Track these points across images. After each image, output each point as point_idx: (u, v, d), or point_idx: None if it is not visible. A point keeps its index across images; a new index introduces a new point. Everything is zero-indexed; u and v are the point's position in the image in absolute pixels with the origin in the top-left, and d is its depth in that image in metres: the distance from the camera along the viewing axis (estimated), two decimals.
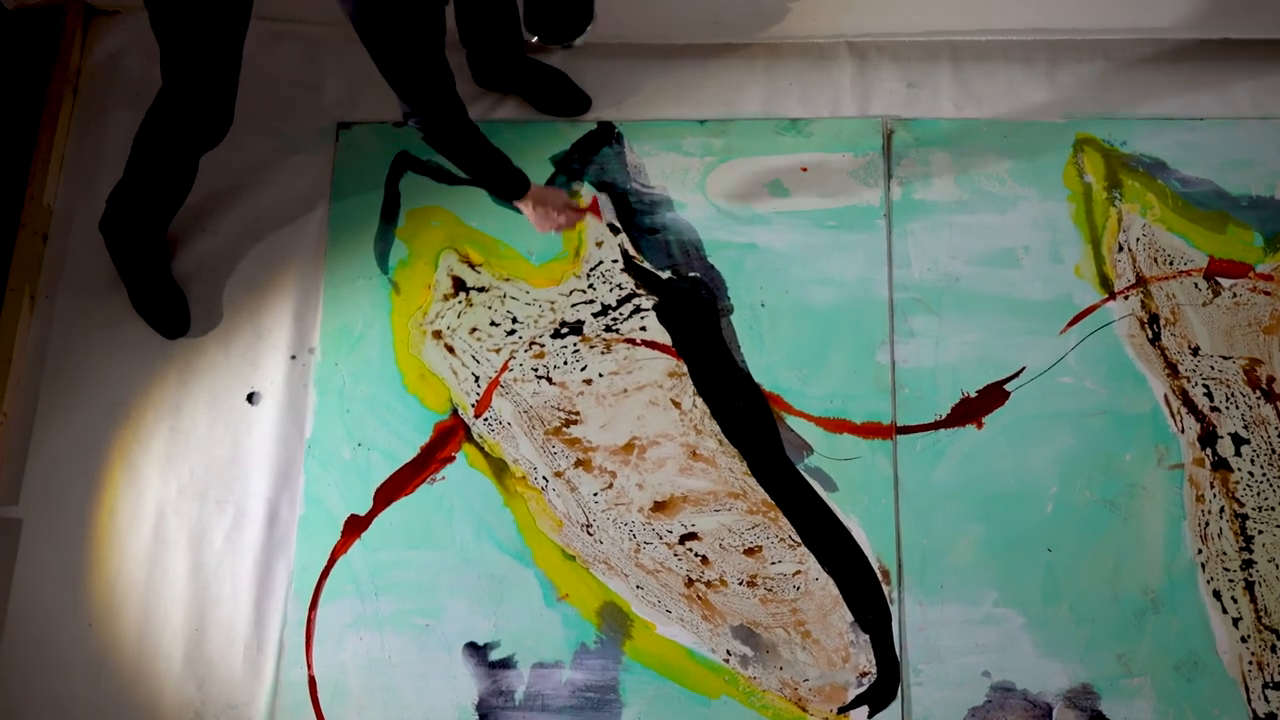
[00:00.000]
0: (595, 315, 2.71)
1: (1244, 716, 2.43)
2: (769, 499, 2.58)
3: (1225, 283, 2.67)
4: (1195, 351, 2.63)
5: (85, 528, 2.62)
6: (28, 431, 2.68)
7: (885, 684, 2.47)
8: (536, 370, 2.68)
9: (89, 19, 2.98)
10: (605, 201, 2.76)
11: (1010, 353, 2.64)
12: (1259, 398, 2.60)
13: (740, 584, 2.54)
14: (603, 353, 2.68)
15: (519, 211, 2.58)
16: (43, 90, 2.88)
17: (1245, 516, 2.53)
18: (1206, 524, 2.53)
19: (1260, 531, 2.52)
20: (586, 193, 2.77)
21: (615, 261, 2.74)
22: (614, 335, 2.69)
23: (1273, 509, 2.53)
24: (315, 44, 2.93)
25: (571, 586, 2.55)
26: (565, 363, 2.68)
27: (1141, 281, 2.68)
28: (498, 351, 2.70)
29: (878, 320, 2.67)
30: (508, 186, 2.48)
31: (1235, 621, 2.47)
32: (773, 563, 2.55)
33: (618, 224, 2.74)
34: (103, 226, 2.70)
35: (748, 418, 2.63)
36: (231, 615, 2.57)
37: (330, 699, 2.51)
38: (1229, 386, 2.61)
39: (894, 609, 2.50)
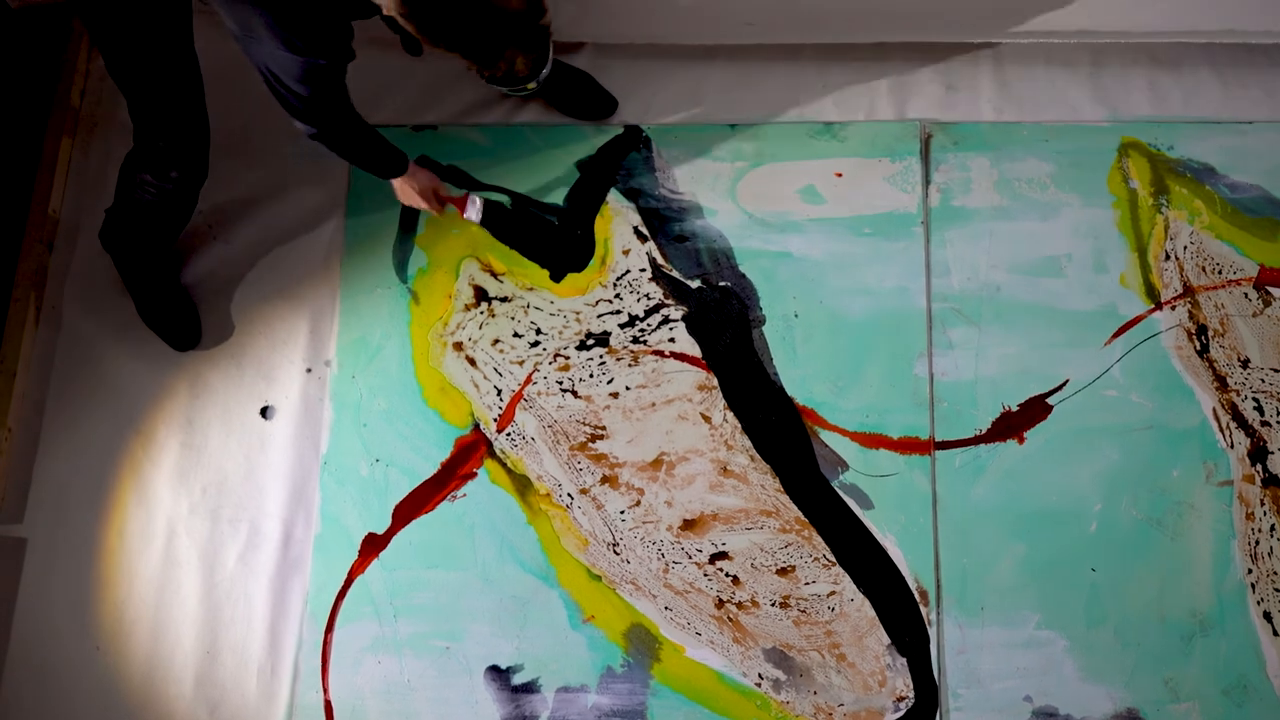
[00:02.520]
0: (622, 326, 2.71)
1: None
2: (802, 517, 2.58)
3: (1276, 292, 2.67)
4: (1245, 364, 2.63)
5: (93, 547, 2.62)
6: (33, 447, 2.68)
7: (923, 709, 2.47)
8: (561, 383, 2.68)
9: None
10: (474, 203, 2.73)
11: (1053, 365, 2.64)
12: None
13: (773, 605, 2.54)
14: (630, 365, 2.69)
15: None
16: (48, 94, 2.88)
17: None
18: (1257, 543, 2.53)
19: None
20: (475, 201, 2.75)
21: (643, 270, 2.75)
22: (642, 347, 2.70)
23: None
24: None
25: (597, 608, 2.55)
26: (591, 375, 2.69)
27: (1189, 291, 2.68)
28: (521, 364, 2.70)
29: (915, 331, 2.67)
30: (389, 166, 2.53)
31: None
32: (806, 583, 2.55)
33: (480, 224, 2.76)
34: (103, 240, 2.71)
35: (780, 432, 2.63)
36: (245, 638, 2.57)
37: None
38: None
39: (932, 631, 2.51)
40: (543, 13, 1.99)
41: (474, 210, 2.72)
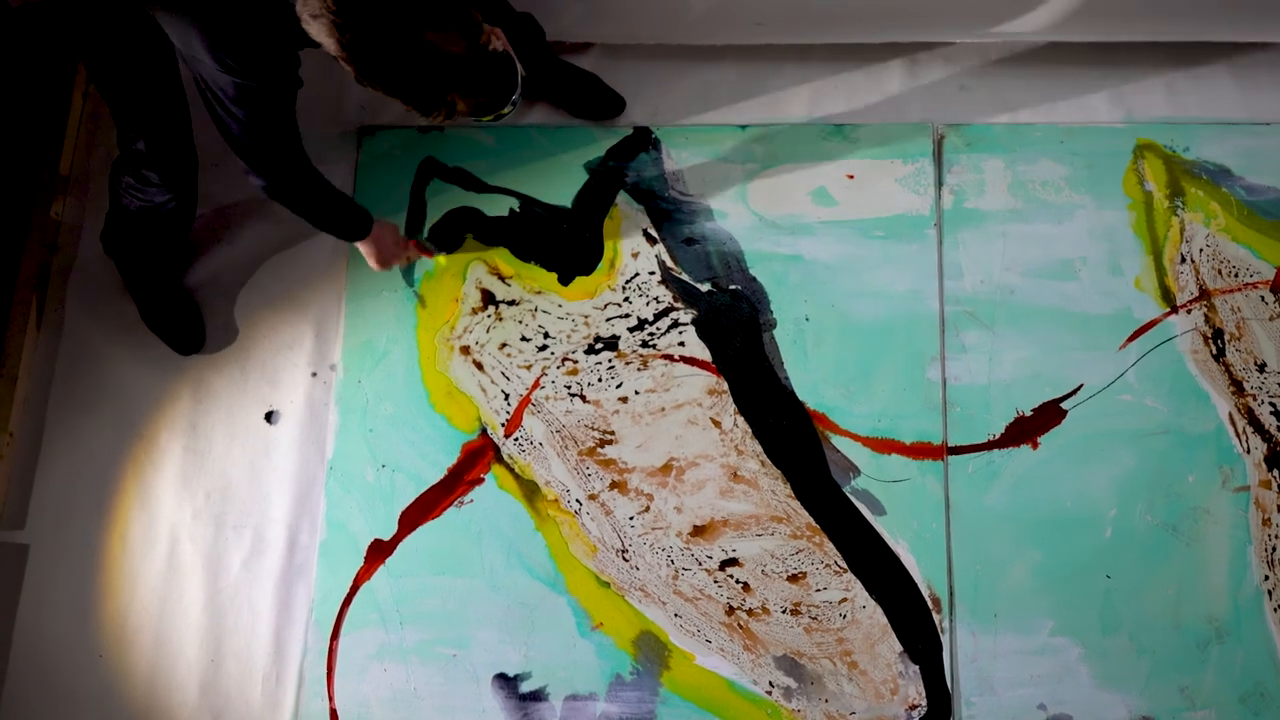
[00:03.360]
0: (631, 330, 2.71)
1: None
2: (814, 523, 2.58)
3: None
4: (1262, 368, 2.63)
5: (95, 553, 2.62)
6: (35, 452, 2.68)
7: (936, 717, 2.47)
8: (569, 388, 2.68)
9: None
10: (426, 246, 2.75)
11: (1067, 369, 2.64)
12: None
13: (784, 612, 2.54)
14: (639, 369, 2.69)
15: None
16: (50, 94, 2.87)
17: None
18: (1274, 549, 2.53)
19: None
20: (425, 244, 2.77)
21: (652, 273, 2.74)
22: (651, 351, 2.69)
23: None
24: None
25: (606, 615, 2.55)
26: (600, 380, 2.68)
27: (1205, 294, 2.68)
28: (529, 368, 2.70)
29: (928, 335, 2.67)
30: (352, 228, 2.53)
31: None
32: (818, 590, 2.55)
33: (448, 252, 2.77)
34: (104, 243, 2.71)
35: (791, 438, 2.63)
36: (249, 645, 2.57)
37: None
38: None
39: (945, 638, 2.50)
40: (485, 57, 1.97)
41: (429, 247, 2.76)
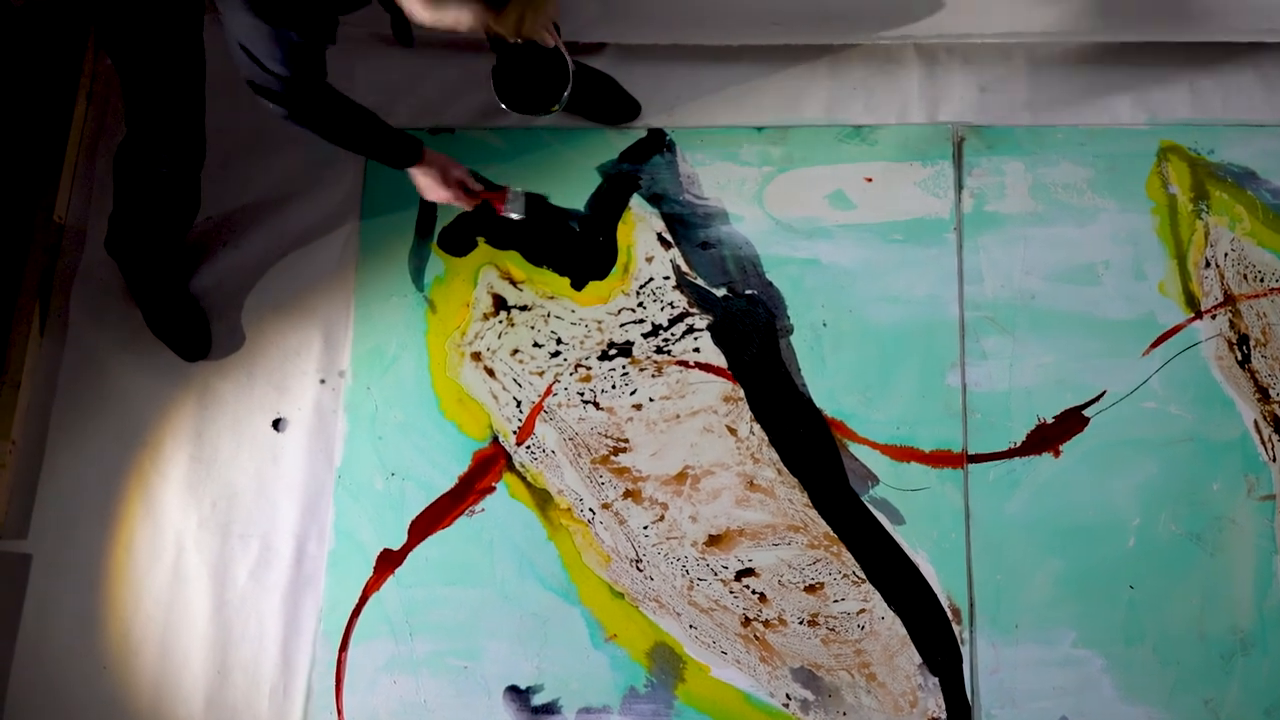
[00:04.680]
0: (645, 336, 2.71)
1: None
2: (831, 532, 2.57)
3: None
4: None
5: (99, 564, 2.62)
6: (38, 460, 2.67)
7: None
8: (583, 394, 2.68)
9: None
10: (516, 197, 2.64)
11: (1089, 376, 2.63)
12: None
13: (801, 623, 2.53)
14: (653, 376, 2.68)
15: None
16: (53, 95, 2.86)
17: None
18: None
19: None
20: (517, 195, 2.65)
21: (667, 278, 2.74)
22: (665, 357, 2.69)
23: None
24: (346, 47, 2.87)
25: (620, 626, 2.55)
26: (613, 386, 2.68)
27: (1230, 300, 2.67)
28: (541, 374, 2.69)
29: (947, 341, 2.67)
30: (399, 153, 2.43)
31: None
32: (835, 600, 2.54)
33: (523, 219, 2.65)
34: (108, 246, 2.70)
35: (808, 445, 2.62)
36: (256, 657, 2.57)
37: None
38: None
39: (965, 650, 2.50)
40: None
41: (516, 205, 2.65)
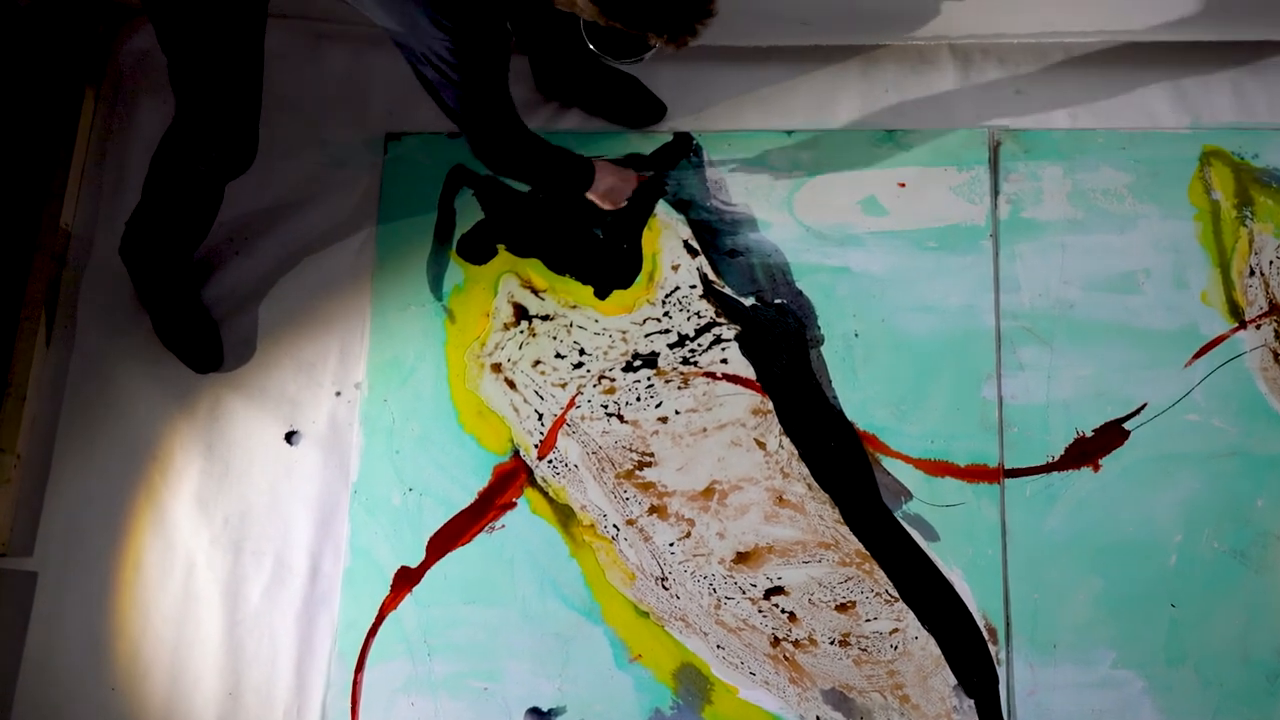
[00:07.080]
0: (671, 346, 2.70)
1: None
2: (863, 549, 2.56)
3: None
4: None
5: (107, 581, 2.61)
6: (44, 475, 2.67)
7: None
8: (606, 407, 2.67)
9: (114, 18, 2.95)
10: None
11: (1130, 388, 2.62)
12: None
13: (832, 643, 2.52)
14: (679, 388, 2.67)
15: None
16: (60, 98, 2.86)
17: None
18: None
19: None
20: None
21: (693, 287, 2.73)
22: (692, 368, 2.68)
23: None
24: (362, 46, 2.91)
25: (645, 646, 2.54)
26: (638, 399, 2.67)
27: (1275, 309, 2.66)
28: (563, 386, 2.68)
29: (983, 352, 2.66)
30: (578, 180, 2.50)
31: None
32: (867, 620, 2.53)
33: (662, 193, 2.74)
34: (122, 253, 2.68)
35: (840, 460, 2.61)
36: (269, 678, 2.56)
37: None
38: None
39: (1002, 671, 2.49)
40: None
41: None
